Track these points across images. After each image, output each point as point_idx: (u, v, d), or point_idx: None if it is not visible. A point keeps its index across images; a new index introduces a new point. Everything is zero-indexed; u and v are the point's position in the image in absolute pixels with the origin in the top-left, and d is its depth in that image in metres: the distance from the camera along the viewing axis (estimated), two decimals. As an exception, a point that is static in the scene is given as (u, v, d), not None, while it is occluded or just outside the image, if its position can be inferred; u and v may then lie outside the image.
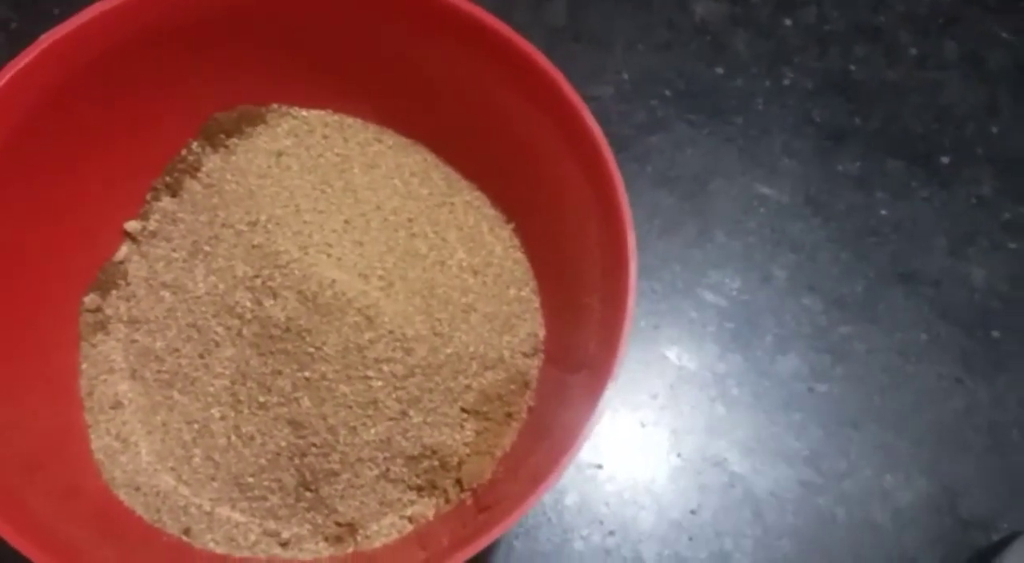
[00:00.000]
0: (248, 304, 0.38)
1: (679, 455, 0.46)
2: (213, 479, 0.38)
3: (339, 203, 0.40)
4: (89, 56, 0.38)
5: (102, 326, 0.41)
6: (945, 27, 0.55)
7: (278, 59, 0.43)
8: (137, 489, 0.39)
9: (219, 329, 0.39)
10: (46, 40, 0.37)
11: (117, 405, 0.40)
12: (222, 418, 0.39)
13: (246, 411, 0.38)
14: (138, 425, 0.40)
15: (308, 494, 0.38)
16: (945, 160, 0.52)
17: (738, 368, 0.47)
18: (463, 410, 0.39)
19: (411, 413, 0.38)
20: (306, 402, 0.37)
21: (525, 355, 0.41)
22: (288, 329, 0.37)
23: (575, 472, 0.45)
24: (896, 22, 0.55)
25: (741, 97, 0.53)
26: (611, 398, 0.33)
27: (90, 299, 0.42)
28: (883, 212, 0.51)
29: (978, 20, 0.56)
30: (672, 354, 0.47)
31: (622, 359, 0.34)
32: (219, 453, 0.38)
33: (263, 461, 0.38)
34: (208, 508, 0.38)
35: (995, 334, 0.49)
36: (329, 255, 0.38)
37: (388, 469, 0.38)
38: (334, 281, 0.37)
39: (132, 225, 0.43)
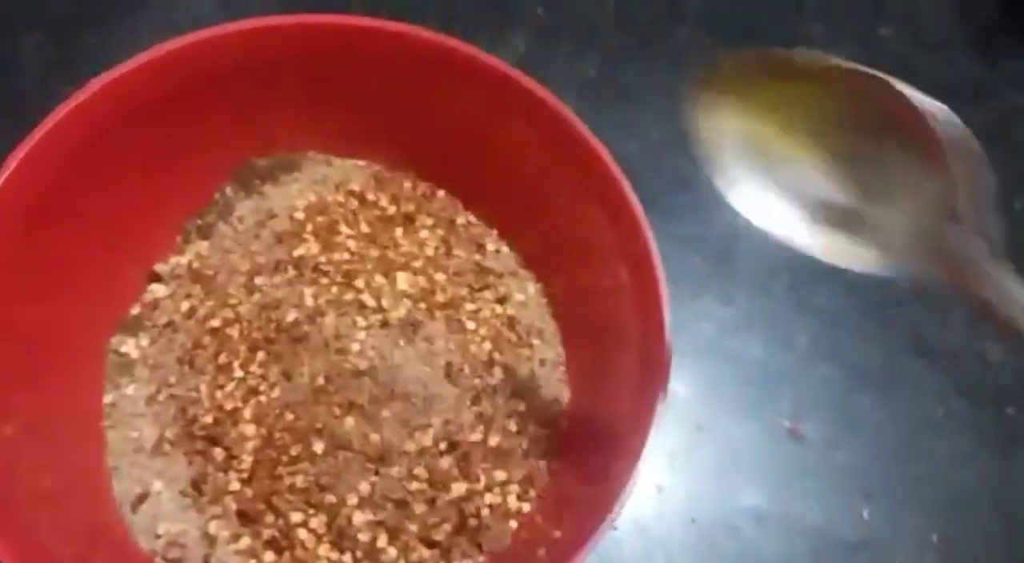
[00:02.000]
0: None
1: (694, 520, 0.46)
2: (239, 535, 0.38)
3: (376, 258, 0.40)
4: (131, 103, 0.38)
5: (128, 368, 0.41)
6: (972, 99, 0.56)
7: (314, 107, 0.43)
8: (157, 537, 0.39)
9: (251, 380, 0.39)
10: (92, 87, 0.37)
11: (140, 449, 0.40)
12: (250, 468, 0.39)
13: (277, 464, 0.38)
14: (160, 470, 0.40)
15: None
16: (967, 233, 0.52)
17: (755, 434, 0.47)
18: (484, 471, 0.39)
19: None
20: (331, 458, 0.37)
21: (550, 417, 0.41)
22: (323, 390, 0.37)
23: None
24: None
25: (769, 159, 0.53)
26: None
27: (117, 340, 0.42)
28: (905, 284, 0.51)
29: (1005, 93, 0.56)
30: (691, 417, 0.47)
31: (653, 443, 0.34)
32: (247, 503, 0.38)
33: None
34: (231, 561, 0.38)
35: (1009, 410, 0.49)
36: (362, 311, 0.39)
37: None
38: (360, 342, 0.38)
39: (162, 267, 0.43)
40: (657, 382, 0.35)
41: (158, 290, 0.43)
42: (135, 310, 0.42)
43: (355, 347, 0.38)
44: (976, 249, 0.25)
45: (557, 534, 0.37)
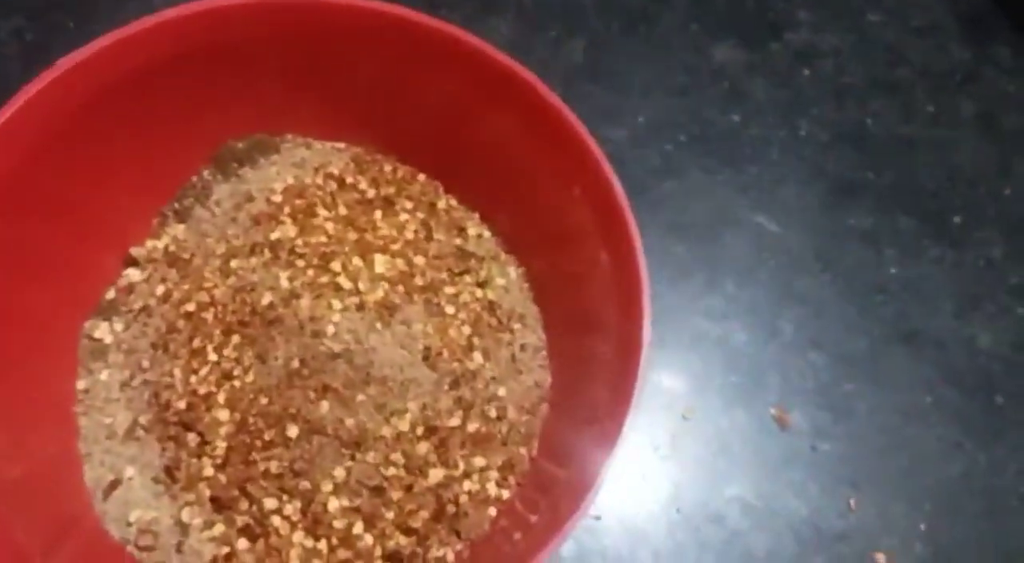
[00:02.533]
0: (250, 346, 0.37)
1: (679, 510, 0.45)
2: (212, 522, 0.37)
3: (354, 242, 0.40)
4: (103, 82, 0.37)
5: (102, 353, 0.41)
6: (962, 85, 0.55)
7: (294, 89, 0.42)
8: (129, 525, 0.38)
9: (225, 364, 0.38)
10: (62, 66, 0.36)
11: (112, 435, 0.40)
12: (224, 453, 0.38)
13: (251, 450, 0.37)
14: (133, 457, 0.39)
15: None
16: (957, 220, 0.52)
17: (741, 423, 0.47)
18: (463, 457, 0.39)
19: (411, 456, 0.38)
20: (305, 443, 0.37)
21: (530, 403, 0.40)
22: (298, 374, 0.36)
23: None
24: (913, 78, 0.55)
25: (756, 146, 0.53)
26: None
27: (90, 324, 0.41)
28: (892, 270, 0.51)
29: (994, 79, 0.56)
30: (676, 406, 0.47)
31: (630, 422, 0.33)
32: (220, 489, 0.38)
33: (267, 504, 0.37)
34: (204, 549, 0.37)
35: (998, 399, 0.49)
36: (338, 293, 0.38)
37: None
38: (336, 324, 0.37)
39: (138, 251, 0.42)
40: (633, 368, 0.34)
41: (133, 274, 0.42)
42: (110, 295, 0.42)
43: (330, 330, 0.37)
44: None
45: (533, 519, 0.36)
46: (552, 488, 0.37)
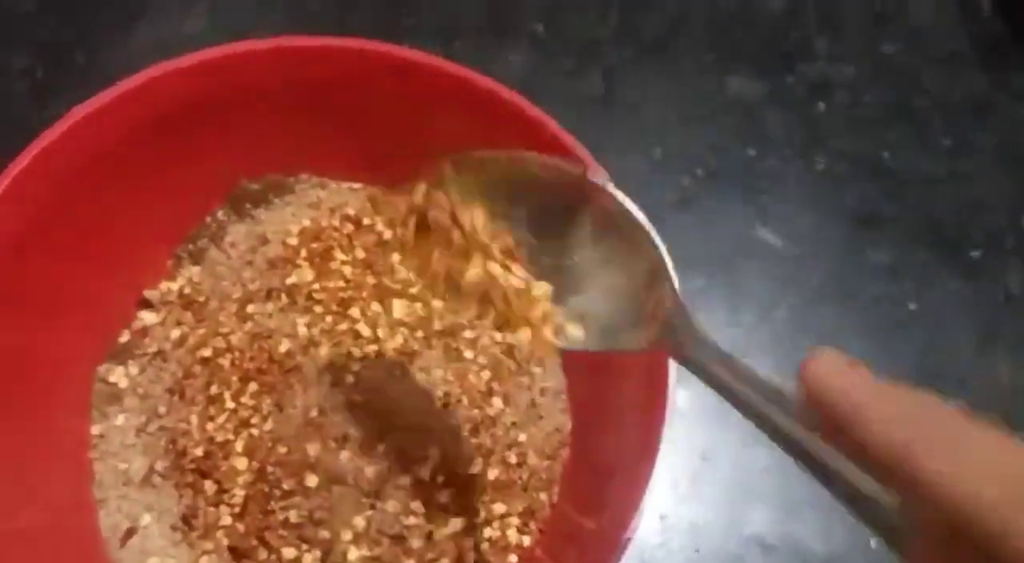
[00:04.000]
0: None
1: (698, 551, 0.45)
2: (228, 573, 0.37)
3: (372, 286, 0.39)
4: (118, 129, 0.37)
5: (116, 398, 0.40)
6: (979, 115, 0.55)
7: (307, 129, 0.42)
8: (147, 574, 0.38)
9: (242, 411, 0.38)
10: (78, 113, 0.36)
11: (128, 481, 0.39)
12: (242, 502, 0.37)
13: (269, 498, 0.37)
14: (150, 504, 0.39)
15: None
16: (975, 254, 0.52)
17: (761, 461, 0.46)
18: (483, 504, 0.38)
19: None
20: (325, 492, 0.36)
21: (551, 448, 0.40)
22: (317, 422, 0.36)
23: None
24: (930, 108, 0.55)
25: (773, 178, 0.52)
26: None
27: (105, 368, 0.41)
28: (911, 304, 0.50)
29: (1012, 109, 0.55)
30: (695, 445, 0.46)
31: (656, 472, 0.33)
32: (239, 538, 0.37)
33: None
34: (220, 600, 0.37)
35: (1022, 435, 0.48)
36: (357, 341, 0.38)
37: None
38: (355, 373, 0.37)
39: (152, 293, 0.42)
40: (660, 412, 0.34)
41: (148, 317, 0.41)
42: (124, 338, 0.41)
43: (349, 379, 0.37)
44: (687, 318, 0.26)
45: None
46: (579, 536, 0.37)
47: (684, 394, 0.47)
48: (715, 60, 0.54)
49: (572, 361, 0.41)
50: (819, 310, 0.50)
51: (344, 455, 0.36)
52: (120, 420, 0.40)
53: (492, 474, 0.38)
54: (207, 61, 0.37)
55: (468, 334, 0.40)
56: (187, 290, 0.41)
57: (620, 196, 0.29)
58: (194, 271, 0.42)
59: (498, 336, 0.41)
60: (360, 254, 0.41)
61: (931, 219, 0.52)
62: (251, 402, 0.37)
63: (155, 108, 0.37)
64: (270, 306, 0.39)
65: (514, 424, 0.39)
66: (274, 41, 0.38)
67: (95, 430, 0.40)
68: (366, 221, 0.42)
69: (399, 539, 0.37)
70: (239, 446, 0.37)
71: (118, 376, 0.41)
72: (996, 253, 0.52)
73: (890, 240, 0.51)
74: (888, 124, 0.54)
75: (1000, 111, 0.55)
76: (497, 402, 0.39)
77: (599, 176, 0.31)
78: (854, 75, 0.55)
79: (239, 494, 0.37)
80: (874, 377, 0.20)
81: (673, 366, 0.35)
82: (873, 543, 0.45)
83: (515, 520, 0.39)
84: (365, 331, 0.38)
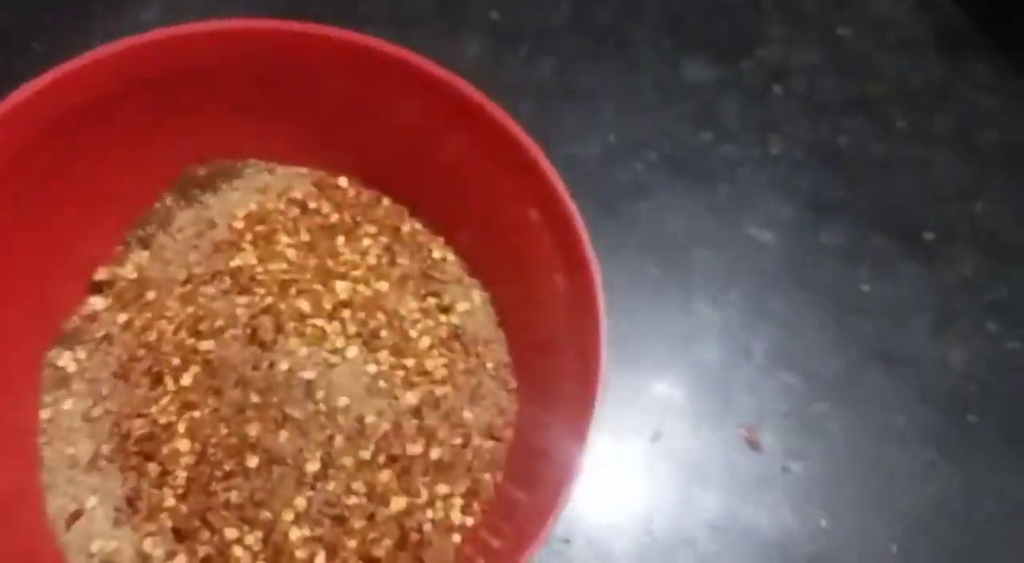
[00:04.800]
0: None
1: (649, 533, 0.45)
2: (174, 552, 0.37)
3: (315, 268, 0.40)
4: (64, 108, 0.37)
5: (64, 382, 0.40)
6: (936, 101, 0.55)
7: (255, 114, 0.42)
8: (91, 556, 0.38)
9: (184, 394, 0.38)
10: (21, 93, 0.36)
11: (75, 464, 0.39)
12: (185, 483, 0.38)
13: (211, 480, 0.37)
14: (95, 486, 0.39)
15: None
16: (930, 237, 0.52)
17: (712, 444, 0.47)
18: (426, 484, 0.38)
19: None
20: (265, 473, 0.37)
21: (496, 429, 0.40)
22: (257, 404, 0.36)
23: (541, 547, 0.44)
24: (887, 95, 0.55)
25: (728, 164, 0.52)
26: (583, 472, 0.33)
27: (54, 353, 0.41)
28: (865, 288, 0.50)
29: (969, 95, 0.55)
30: (647, 428, 0.47)
31: (590, 446, 0.33)
32: (182, 520, 0.37)
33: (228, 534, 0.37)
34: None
35: (971, 418, 0.48)
36: (297, 321, 0.38)
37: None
38: (294, 353, 0.37)
39: (101, 278, 0.42)
40: (592, 389, 0.34)
41: (97, 302, 0.42)
42: (73, 323, 0.41)
43: (289, 359, 0.37)
44: None
45: (496, 544, 0.36)
46: (515, 512, 0.37)
47: (637, 376, 0.47)
48: (671, 46, 0.55)
49: (517, 343, 0.41)
50: (773, 295, 0.50)
51: (283, 435, 0.36)
52: (68, 404, 0.40)
53: (435, 454, 0.38)
54: (150, 42, 0.37)
55: (413, 316, 0.40)
56: (135, 275, 0.42)
57: None
58: (143, 256, 0.42)
59: (443, 318, 0.41)
60: (304, 237, 0.41)
61: (886, 204, 0.52)
62: (193, 384, 0.38)
63: (98, 90, 0.37)
64: (213, 289, 0.39)
65: (458, 405, 0.39)
66: (216, 23, 0.38)
67: (44, 415, 0.40)
68: (312, 204, 0.42)
69: (340, 519, 0.37)
70: (181, 428, 0.37)
71: (67, 361, 0.41)
72: (951, 238, 0.52)
73: (845, 225, 0.52)
74: (845, 110, 0.54)
75: (957, 97, 0.55)
76: (441, 383, 0.39)
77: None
78: (811, 61, 0.55)
79: (182, 476, 0.37)
80: None
81: (604, 346, 0.35)
82: (824, 524, 0.46)
83: (458, 501, 0.39)
84: (306, 311, 0.38)
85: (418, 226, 0.43)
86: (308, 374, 0.37)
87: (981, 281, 0.51)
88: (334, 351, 0.37)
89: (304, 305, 0.38)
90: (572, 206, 0.36)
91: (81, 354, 0.41)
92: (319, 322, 0.38)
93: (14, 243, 0.38)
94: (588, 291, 0.35)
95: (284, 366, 0.37)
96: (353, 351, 0.38)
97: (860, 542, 0.45)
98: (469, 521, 0.39)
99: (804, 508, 0.46)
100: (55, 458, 0.39)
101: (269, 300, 0.38)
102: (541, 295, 0.39)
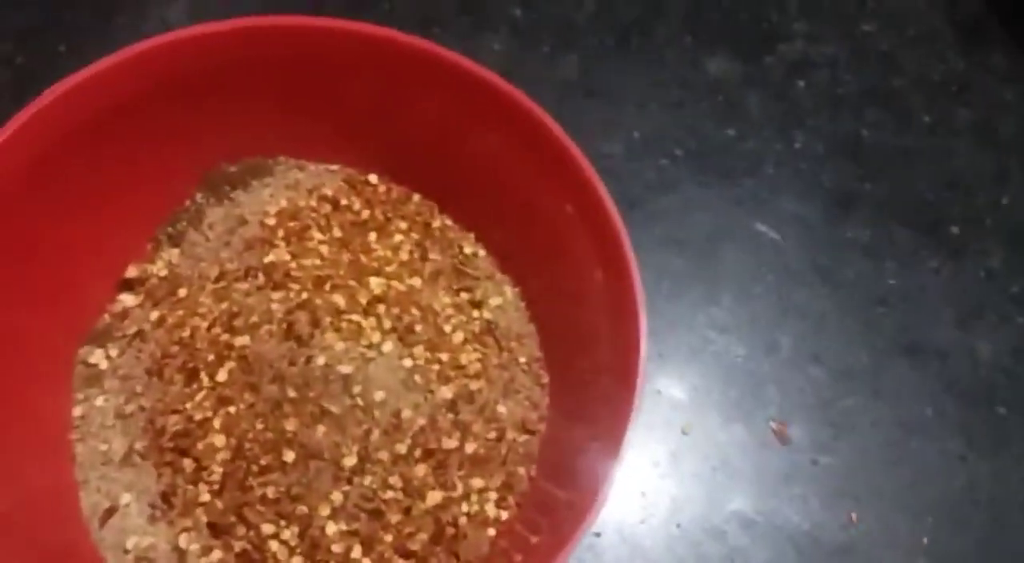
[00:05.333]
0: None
1: (678, 525, 0.45)
2: (210, 547, 0.37)
3: (349, 264, 0.40)
4: (94, 108, 0.37)
5: (97, 379, 0.41)
6: (957, 94, 0.55)
7: (286, 112, 0.42)
8: (126, 552, 0.38)
9: (220, 389, 0.38)
10: (53, 92, 0.36)
11: (108, 461, 0.39)
12: (221, 479, 0.38)
13: (247, 475, 0.37)
14: (129, 483, 0.39)
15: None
16: (955, 230, 0.52)
17: (741, 437, 0.47)
18: (461, 478, 0.38)
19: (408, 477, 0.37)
20: (302, 468, 0.37)
21: (529, 423, 0.40)
22: (293, 399, 0.36)
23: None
24: (909, 88, 0.55)
25: (752, 159, 0.52)
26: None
27: (85, 351, 0.41)
28: (891, 281, 0.50)
29: (990, 87, 0.56)
30: (674, 421, 0.47)
31: (629, 439, 0.33)
32: (217, 515, 0.37)
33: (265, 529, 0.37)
34: (201, 576, 0.37)
35: (1000, 410, 0.48)
36: (333, 317, 0.38)
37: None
38: (330, 348, 0.37)
39: (132, 275, 0.42)
40: (631, 385, 0.34)
41: (127, 299, 0.42)
42: (104, 320, 0.42)
43: (326, 354, 0.37)
44: None
45: (534, 540, 0.36)
46: (553, 508, 0.37)
47: (664, 370, 0.47)
48: (693, 43, 0.55)
49: (549, 338, 0.42)
50: (799, 289, 0.50)
51: (320, 430, 0.36)
52: (100, 401, 0.40)
53: (470, 448, 0.38)
54: (183, 39, 0.37)
55: (446, 311, 0.40)
56: (166, 272, 0.42)
57: None
58: (173, 253, 0.42)
59: (476, 313, 0.41)
60: (337, 233, 0.41)
61: (910, 197, 0.53)
62: (228, 380, 0.38)
63: (129, 89, 0.37)
64: (247, 285, 0.39)
65: (492, 399, 0.39)
66: (245, 20, 0.38)
67: (76, 412, 0.40)
68: (343, 201, 0.42)
69: (377, 513, 0.37)
70: (217, 423, 0.37)
71: (98, 358, 0.41)
72: (976, 231, 0.52)
73: (869, 218, 0.52)
74: (867, 103, 0.54)
75: (978, 90, 0.56)
76: (475, 377, 0.39)
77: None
78: (833, 55, 0.55)
79: (217, 471, 0.37)
80: None
81: (644, 341, 0.35)
82: (854, 517, 0.46)
83: (493, 494, 0.39)
84: (341, 307, 0.38)
85: (448, 222, 0.43)
86: (345, 368, 0.37)
87: (1007, 273, 0.51)
88: (370, 346, 0.38)
89: (339, 300, 0.38)
90: (609, 201, 0.36)
91: (113, 351, 0.41)
92: (355, 317, 0.38)
93: (44, 241, 0.38)
94: (627, 287, 0.35)
95: (321, 361, 0.37)
96: (389, 346, 0.38)
97: (890, 535, 0.45)
98: (504, 515, 0.39)
99: (834, 501, 0.46)
100: (88, 455, 0.40)
101: (304, 296, 0.38)
102: (575, 290, 0.39)
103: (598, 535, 0.44)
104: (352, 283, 0.39)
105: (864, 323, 0.49)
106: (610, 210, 0.36)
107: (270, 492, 0.37)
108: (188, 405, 0.38)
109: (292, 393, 0.37)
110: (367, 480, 0.37)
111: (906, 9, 0.57)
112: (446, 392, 0.38)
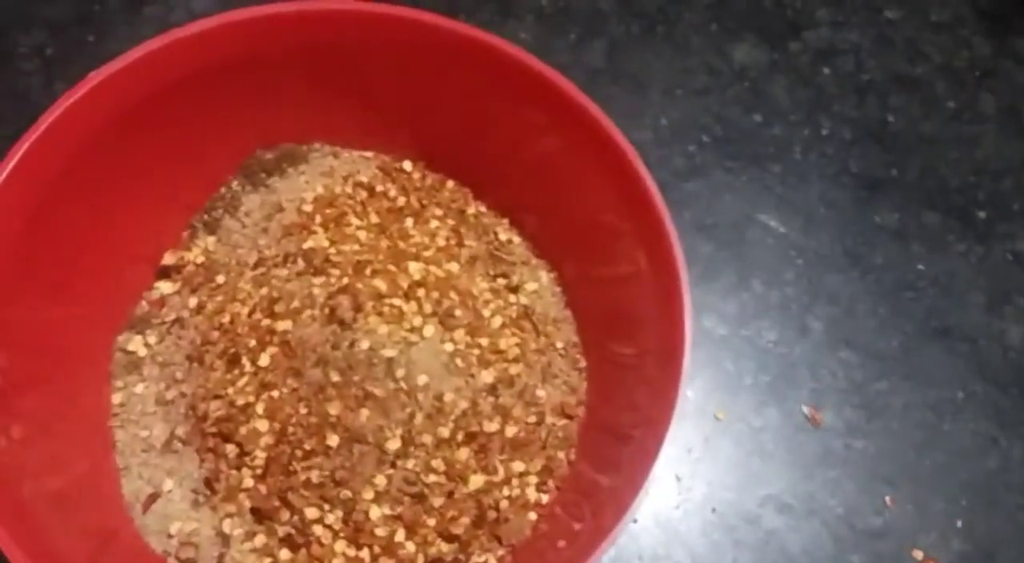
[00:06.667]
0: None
1: (714, 510, 0.45)
2: (254, 533, 0.37)
3: (387, 249, 0.40)
4: (132, 96, 0.37)
5: (136, 366, 0.41)
6: (982, 79, 0.55)
7: (320, 98, 0.42)
8: (170, 537, 0.38)
9: (262, 374, 0.38)
10: (92, 80, 0.36)
11: (149, 448, 0.40)
12: (264, 464, 0.38)
13: (291, 459, 0.37)
14: (171, 469, 0.39)
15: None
16: (982, 215, 0.52)
17: (774, 422, 0.47)
18: (503, 462, 0.39)
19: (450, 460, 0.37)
20: (346, 452, 0.37)
21: (568, 407, 0.40)
22: (337, 383, 0.36)
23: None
24: (933, 73, 0.55)
25: (779, 145, 0.53)
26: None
27: (124, 338, 0.41)
28: (920, 266, 0.51)
29: (1015, 73, 0.56)
30: (708, 406, 0.47)
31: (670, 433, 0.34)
32: (261, 500, 0.37)
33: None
34: (246, 560, 0.37)
35: (1033, 395, 0.48)
36: (375, 301, 0.38)
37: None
38: (373, 332, 0.37)
39: (169, 263, 0.42)
40: (675, 372, 0.34)
41: (165, 287, 0.42)
42: (142, 308, 0.42)
43: (368, 339, 0.37)
44: None
45: (577, 527, 0.36)
46: (595, 494, 0.37)
47: (696, 355, 0.47)
48: (719, 30, 0.55)
49: (586, 323, 0.42)
50: (828, 274, 0.50)
51: (364, 414, 0.37)
52: (140, 388, 0.40)
53: (510, 432, 0.38)
54: (217, 27, 0.37)
55: (483, 296, 0.40)
56: (203, 259, 0.42)
57: None
58: (209, 241, 0.42)
59: (513, 298, 0.41)
60: (374, 219, 0.41)
61: (937, 182, 0.53)
62: (271, 365, 0.38)
63: (167, 74, 0.37)
64: (286, 271, 0.39)
65: (531, 383, 0.40)
66: (275, 7, 0.38)
67: (116, 399, 0.40)
68: (379, 188, 0.42)
69: (420, 497, 0.37)
70: (260, 409, 0.37)
71: (137, 345, 0.41)
72: (1003, 214, 0.52)
73: (896, 203, 0.52)
74: (892, 89, 0.54)
75: (1003, 75, 0.56)
76: (514, 362, 0.39)
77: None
78: (857, 41, 0.56)
79: (261, 456, 0.37)
80: None
81: (690, 326, 0.35)
82: (888, 500, 0.46)
83: (533, 478, 0.39)
84: (383, 292, 0.38)
85: (482, 208, 0.44)
86: (389, 352, 0.37)
87: (1036, 259, 0.51)
88: (412, 330, 0.38)
89: (381, 285, 0.38)
90: (652, 183, 0.36)
91: (152, 338, 0.41)
92: (396, 301, 0.38)
93: (82, 229, 0.38)
94: (671, 269, 0.35)
95: (365, 344, 0.37)
96: (430, 330, 0.38)
97: (925, 517, 0.46)
98: (544, 499, 0.39)
99: (868, 484, 0.46)
100: (128, 442, 0.40)
101: (345, 281, 0.38)
102: (615, 274, 0.39)
103: (635, 520, 0.45)
104: (392, 268, 0.39)
105: (894, 307, 0.50)
106: (653, 192, 0.36)
107: (314, 476, 0.37)
108: (230, 390, 0.38)
109: (336, 377, 0.37)
110: (410, 464, 0.37)
111: (929, -5, 0.58)
112: (487, 376, 0.38)
